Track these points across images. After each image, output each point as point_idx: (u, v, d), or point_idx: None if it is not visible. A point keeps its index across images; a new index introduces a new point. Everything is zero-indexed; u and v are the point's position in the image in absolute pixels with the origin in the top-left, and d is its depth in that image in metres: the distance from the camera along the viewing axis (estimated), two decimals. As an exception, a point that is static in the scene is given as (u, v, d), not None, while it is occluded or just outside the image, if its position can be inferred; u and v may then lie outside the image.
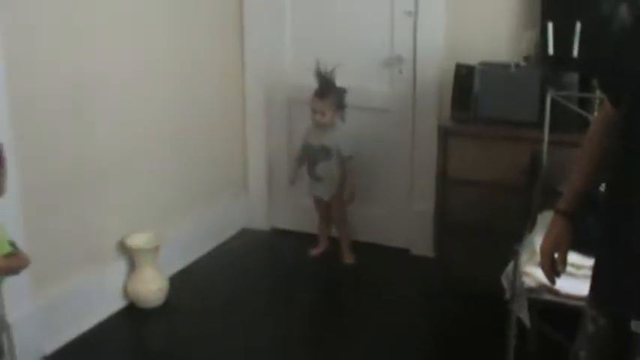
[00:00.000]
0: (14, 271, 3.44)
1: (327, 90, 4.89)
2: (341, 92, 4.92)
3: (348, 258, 5.15)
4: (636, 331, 2.03)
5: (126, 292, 4.51)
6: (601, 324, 2.17)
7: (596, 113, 4.07)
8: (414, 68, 4.97)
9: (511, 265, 3.36)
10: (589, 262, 2.40)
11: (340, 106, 4.94)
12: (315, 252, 5.25)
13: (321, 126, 4.93)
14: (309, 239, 5.30)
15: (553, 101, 3.97)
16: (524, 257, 3.37)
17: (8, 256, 3.34)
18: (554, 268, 2.44)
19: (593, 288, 2.24)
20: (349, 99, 4.96)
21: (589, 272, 2.33)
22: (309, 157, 5.02)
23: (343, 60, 4.93)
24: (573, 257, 2.46)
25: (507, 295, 3.38)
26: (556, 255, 2.43)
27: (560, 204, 2.45)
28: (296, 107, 5.30)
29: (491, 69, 4.37)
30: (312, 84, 4.94)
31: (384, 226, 5.35)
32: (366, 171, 5.22)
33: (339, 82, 4.91)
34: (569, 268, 2.49)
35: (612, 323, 2.13)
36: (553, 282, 2.48)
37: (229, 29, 5.38)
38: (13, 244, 3.40)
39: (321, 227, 5.28)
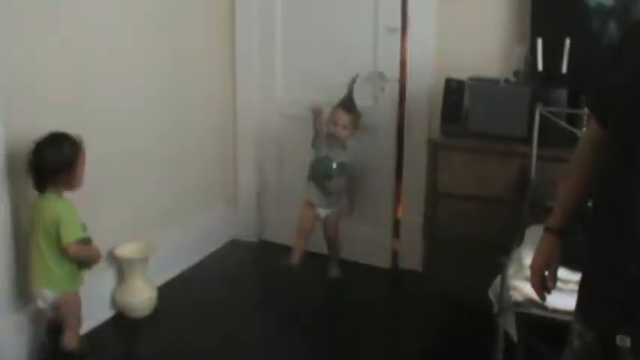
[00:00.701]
0: (87, 263, 3.82)
1: (353, 105, 4.87)
2: (359, 114, 4.92)
3: (335, 273, 5.15)
4: (621, 345, 2.04)
5: (115, 302, 4.51)
6: (587, 339, 2.18)
7: (584, 129, 4.10)
8: (400, 83, 4.97)
9: (499, 278, 3.38)
10: (576, 276, 2.41)
11: (357, 126, 4.92)
12: (295, 260, 5.06)
13: (337, 140, 4.87)
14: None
15: (542, 117, 4.00)
16: (511, 271, 3.39)
17: (82, 241, 3.72)
18: (544, 284, 2.46)
19: (580, 303, 2.25)
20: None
21: (576, 287, 2.34)
22: (325, 170, 4.91)
23: (331, 76, 5.00)
24: (561, 272, 2.48)
25: (495, 309, 3.40)
26: (546, 272, 2.45)
27: (550, 221, 2.47)
28: (286, 121, 5.31)
29: (481, 84, 4.39)
30: (303, 98, 4.97)
31: (371, 240, 5.32)
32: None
33: (331, 98, 4.94)
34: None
35: (598, 338, 2.14)
36: (543, 299, 2.49)
37: (221, 45, 5.42)
38: (84, 228, 3.79)
39: (302, 240, 5.12)
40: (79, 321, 3.90)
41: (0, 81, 3.60)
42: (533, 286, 2.48)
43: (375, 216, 5.27)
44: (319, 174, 4.92)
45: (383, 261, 5.28)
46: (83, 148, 3.76)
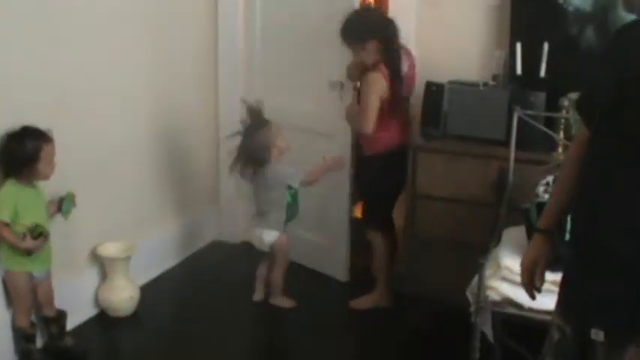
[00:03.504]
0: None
1: None
2: None
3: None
4: (595, 339, 2.15)
5: (97, 301, 4.54)
6: (566, 332, 2.28)
7: (561, 133, 4.16)
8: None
9: (476, 278, 3.43)
10: (553, 276, 2.49)
11: None
12: (291, 303, 4.86)
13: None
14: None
15: (520, 120, 4.05)
16: (488, 271, 3.44)
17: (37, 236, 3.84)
18: (534, 283, 2.52)
19: (560, 299, 2.35)
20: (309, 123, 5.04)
21: (552, 287, 2.45)
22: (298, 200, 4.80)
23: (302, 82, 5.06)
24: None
25: (472, 308, 3.45)
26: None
27: (540, 222, 2.55)
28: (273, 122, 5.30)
29: (461, 87, 4.45)
30: (281, 104, 4.97)
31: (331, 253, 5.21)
32: (323, 200, 5.18)
33: (307, 105, 4.94)
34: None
35: (575, 332, 2.24)
36: (533, 297, 2.55)
37: (205, 51, 5.45)
38: (36, 225, 3.89)
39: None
40: (24, 303, 3.93)
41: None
42: (523, 284, 2.55)
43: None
44: (297, 208, 4.80)
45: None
46: (50, 143, 3.82)
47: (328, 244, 5.16)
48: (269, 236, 4.72)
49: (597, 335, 2.14)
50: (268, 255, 4.81)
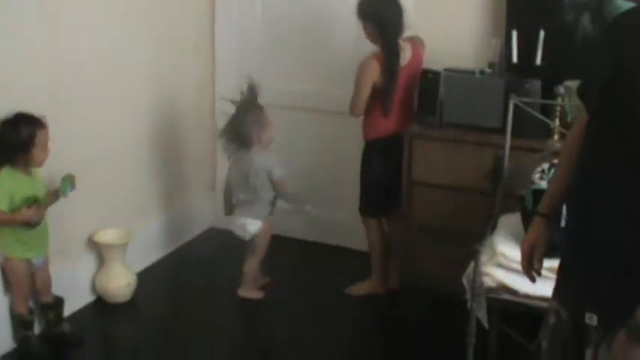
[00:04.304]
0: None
1: None
2: None
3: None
4: (589, 323, 2.18)
5: (94, 287, 4.56)
6: (562, 316, 2.31)
7: (557, 120, 4.18)
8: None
9: (472, 265, 3.45)
10: (547, 263, 2.51)
11: None
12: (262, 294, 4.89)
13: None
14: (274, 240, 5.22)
15: (516, 107, 4.06)
16: (484, 258, 3.46)
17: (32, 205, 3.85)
18: (533, 267, 2.55)
19: (557, 284, 2.38)
20: (315, 102, 5.12)
21: (547, 273, 2.48)
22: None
23: (314, 63, 5.07)
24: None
25: (467, 295, 3.47)
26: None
27: (540, 206, 2.57)
28: (267, 110, 5.32)
29: (457, 75, 4.44)
30: (284, 87, 4.99)
31: (347, 228, 5.30)
32: (331, 176, 5.31)
33: (314, 85, 4.96)
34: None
35: (571, 316, 2.27)
36: (533, 280, 2.58)
37: (202, 36, 5.46)
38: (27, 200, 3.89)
39: None
40: (22, 290, 3.97)
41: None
42: (523, 268, 2.59)
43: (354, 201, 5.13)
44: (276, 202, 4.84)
45: (361, 244, 5.15)
46: (44, 129, 3.82)
47: (348, 218, 5.18)
48: (252, 225, 4.73)
49: (591, 319, 2.17)
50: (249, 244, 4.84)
